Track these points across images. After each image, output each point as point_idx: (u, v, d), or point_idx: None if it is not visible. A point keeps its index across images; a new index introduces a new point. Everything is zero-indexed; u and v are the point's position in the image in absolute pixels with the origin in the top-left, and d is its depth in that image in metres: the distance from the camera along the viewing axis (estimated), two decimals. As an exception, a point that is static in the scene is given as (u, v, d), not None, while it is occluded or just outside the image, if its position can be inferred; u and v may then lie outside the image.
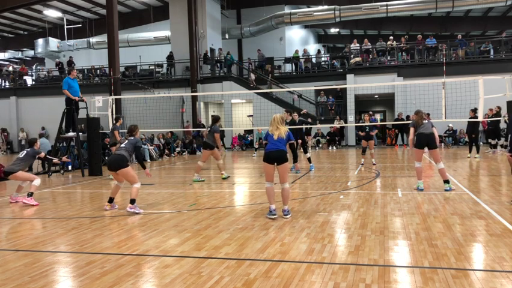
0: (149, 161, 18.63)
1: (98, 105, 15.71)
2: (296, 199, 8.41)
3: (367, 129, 13.81)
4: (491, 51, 23.43)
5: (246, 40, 31.94)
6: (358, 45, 24.96)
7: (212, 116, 12.06)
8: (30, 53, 37.75)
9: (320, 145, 23.80)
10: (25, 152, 9.20)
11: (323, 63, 27.52)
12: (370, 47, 24.72)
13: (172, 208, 7.85)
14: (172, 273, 4.37)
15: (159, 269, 4.55)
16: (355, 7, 27.10)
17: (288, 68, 28.39)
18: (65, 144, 15.71)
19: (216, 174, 13.28)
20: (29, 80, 31.91)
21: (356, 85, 22.98)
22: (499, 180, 10.22)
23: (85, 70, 29.86)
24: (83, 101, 14.18)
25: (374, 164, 13.76)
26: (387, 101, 27.85)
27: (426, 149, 8.92)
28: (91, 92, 22.64)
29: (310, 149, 21.45)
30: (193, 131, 23.65)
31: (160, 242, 5.54)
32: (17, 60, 41.54)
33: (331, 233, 5.76)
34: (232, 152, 23.31)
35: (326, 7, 27.87)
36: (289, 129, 12.57)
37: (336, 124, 22.59)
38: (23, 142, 28.97)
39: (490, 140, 17.84)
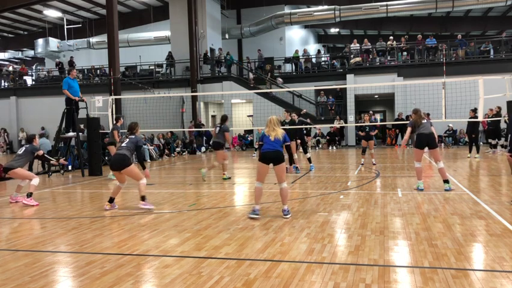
0: (149, 161, 18.62)
1: (98, 105, 15.71)
2: (296, 199, 8.41)
3: (367, 129, 13.82)
4: (491, 51, 23.42)
5: (246, 40, 31.94)
6: (358, 45, 24.95)
7: (222, 115, 12.00)
8: (30, 53, 37.74)
9: (320, 145, 23.80)
10: (24, 148, 9.18)
11: (323, 63, 27.51)
12: (370, 47, 24.71)
13: (172, 208, 7.85)
14: (172, 273, 4.37)
15: (159, 269, 4.55)
16: (355, 7, 27.09)
17: (288, 68, 28.38)
18: (62, 145, 15.68)
19: (216, 175, 13.27)
20: (29, 80, 31.90)
21: (356, 85, 22.98)
22: (499, 180, 10.22)
23: (85, 70, 29.86)
24: (83, 101, 14.18)
25: (374, 164, 13.76)
26: (387, 101, 27.85)
27: (426, 149, 8.91)
28: (91, 92, 22.63)
29: (310, 149, 21.48)
30: (194, 131, 23.66)
31: (160, 242, 5.54)
32: (17, 60, 41.53)
33: (331, 233, 5.76)
34: (232, 152, 23.31)
35: (326, 7, 27.87)
36: (288, 129, 12.62)
37: (336, 124, 22.59)
38: (23, 142, 28.97)
39: (490, 140, 17.84)
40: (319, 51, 30.62)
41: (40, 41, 32.93)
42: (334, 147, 23.25)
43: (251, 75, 25.80)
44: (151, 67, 27.66)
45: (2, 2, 22.08)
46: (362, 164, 13.85)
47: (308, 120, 16.10)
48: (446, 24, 33.44)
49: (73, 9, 30.50)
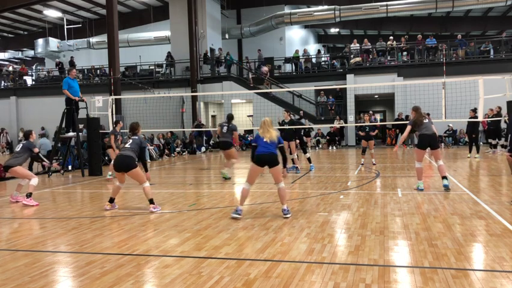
0: (149, 161, 18.61)
1: (98, 105, 15.71)
2: (296, 199, 8.41)
3: (367, 129, 13.82)
4: (491, 51, 23.42)
5: (246, 40, 31.94)
6: (358, 45, 24.95)
7: (228, 114, 11.92)
8: (30, 53, 37.75)
9: (320, 145, 23.80)
10: (21, 145, 9.13)
11: (323, 63, 27.51)
12: (370, 47, 24.71)
13: (172, 208, 7.85)
14: (172, 273, 4.37)
15: (159, 269, 4.55)
16: (355, 7, 27.09)
17: (288, 68, 28.38)
18: (60, 145, 15.66)
19: (216, 175, 13.28)
20: (29, 80, 31.90)
21: (356, 85, 22.98)
22: (499, 180, 10.22)
23: (85, 70, 29.86)
24: (83, 101, 14.17)
25: (374, 164, 13.77)
26: (387, 101, 27.85)
27: (427, 149, 8.88)
28: (91, 92, 22.63)
29: (310, 149, 21.48)
30: (194, 131, 23.66)
31: (160, 242, 5.54)
32: (17, 60, 41.54)
33: (331, 233, 5.76)
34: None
35: (326, 7, 27.87)
36: (287, 129, 12.61)
37: (336, 124, 22.59)
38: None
39: (490, 140, 17.83)
40: (319, 51, 30.64)
41: (40, 41, 32.94)
42: (334, 147, 23.25)
43: (250, 75, 25.82)
44: (151, 67, 27.67)
45: (2, 2, 22.09)
46: (362, 164, 13.85)
47: (303, 121, 16.12)
48: (446, 24, 33.44)
49: (73, 9, 30.51)
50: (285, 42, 31.56)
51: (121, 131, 12.82)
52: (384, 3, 26.15)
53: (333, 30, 39.54)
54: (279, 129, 12.79)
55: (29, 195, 8.59)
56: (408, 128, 9.00)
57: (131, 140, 7.73)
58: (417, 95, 19.08)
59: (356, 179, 11.13)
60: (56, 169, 13.55)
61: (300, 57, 27.08)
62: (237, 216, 6.67)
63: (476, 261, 4.61)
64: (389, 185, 9.85)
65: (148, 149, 18.89)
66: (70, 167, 15.03)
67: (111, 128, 13.29)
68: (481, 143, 18.70)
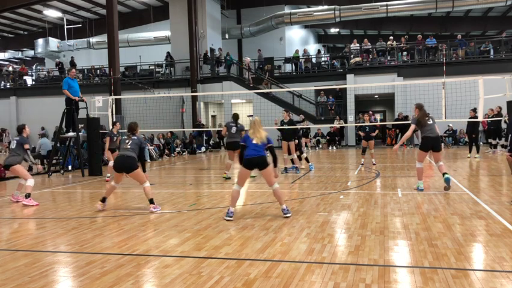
0: (149, 161, 18.62)
1: (98, 105, 15.71)
2: (296, 199, 8.41)
3: (367, 130, 13.83)
4: (491, 51, 23.42)
5: (246, 40, 31.94)
6: (358, 45, 24.95)
7: (234, 114, 11.79)
8: (30, 53, 37.75)
9: (320, 145, 23.80)
10: (15, 141, 9.05)
11: (323, 63, 27.51)
12: (370, 47, 24.71)
13: (172, 208, 7.85)
14: (172, 273, 4.37)
15: (159, 269, 4.55)
16: (355, 7, 27.10)
17: (288, 68, 28.38)
18: (58, 145, 15.65)
19: (216, 175, 13.28)
20: (29, 80, 31.90)
21: (356, 85, 22.98)
22: (499, 180, 10.22)
23: (85, 70, 29.86)
24: (83, 101, 14.17)
25: (374, 164, 13.77)
26: (387, 101, 27.86)
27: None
28: (91, 92, 22.63)
29: (309, 149, 21.48)
30: (193, 131, 23.66)
31: (160, 242, 5.54)
32: (17, 60, 41.55)
33: (331, 233, 5.76)
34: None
35: (326, 7, 27.87)
36: (286, 129, 12.60)
37: (336, 124, 22.59)
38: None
39: (490, 140, 17.82)
40: (319, 51, 30.63)
41: (40, 41, 32.94)
42: (334, 147, 23.25)
43: (247, 75, 25.83)
44: (151, 67, 27.67)
45: (2, 2, 22.09)
46: (362, 164, 13.85)
47: (305, 120, 16.12)
48: (446, 24, 33.44)
49: (73, 9, 30.51)
50: (285, 42, 31.56)
51: (120, 131, 12.74)
52: (384, 3, 26.15)
53: (333, 30, 39.54)
54: (279, 129, 12.79)
55: (28, 195, 8.58)
56: (412, 127, 8.78)
57: (131, 141, 7.66)
58: (417, 95, 19.03)
59: (356, 179, 11.13)
60: (39, 171, 13.32)
61: (300, 57, 27.08)
62: (230, 218, 6.62)
63: (476, 261, 4.61)
64: (389, 185, 9.85)
65: (148, 149, 18.90)
66: (70, 167, 15.03)
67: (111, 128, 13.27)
68: (481, 143, 18.70)
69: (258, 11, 30.21)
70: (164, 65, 27.43)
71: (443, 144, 21.64)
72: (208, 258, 4.83)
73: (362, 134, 14.12)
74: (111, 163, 10.92)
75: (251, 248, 5.19)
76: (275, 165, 6.91)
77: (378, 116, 30.19)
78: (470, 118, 15.35)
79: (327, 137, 23.78)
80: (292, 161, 12.81)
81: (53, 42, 32.63)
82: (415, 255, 4.73)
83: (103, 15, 29.15)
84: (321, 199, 8.26)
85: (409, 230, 5.80)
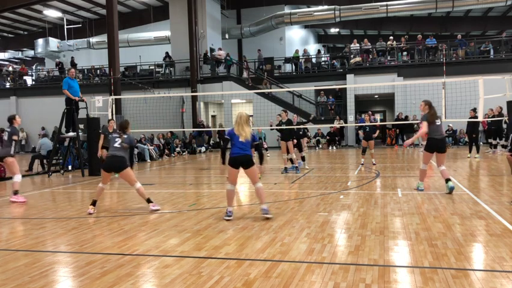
0: (149, 161, 18.63)
1: (98, 105, 15.71)
2: (296, 199, 8.41)
3: (367, 130, 13.83)
4: (491, 51, 23.43)
5: (246, 40, 31.94)
6: (358, 45, 24.96)
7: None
8: (30, 53, 37.75)
9: (320, 145, 23.80)
10: (6, 133, 8.98)
11: (323, 63, 27.52)
12: (370, 47, 24.72)
13: (172, 208, 7.85)
14: (172, 273, 4.37)
15: (159, 269, 4.55)
16: (355, 7, 27.10)
17: (288, 68, 28.38)
18: (57, 145, 15.64)
19: (216, 175, 13.27)
20: (29, 80, 31.91)
21: (356, 85, 22.98)
22: (499, 180, 10.22)
23: (85, 70, 29.86)
24: (83, 101, 14.17)
25: (374, 164, 13.77)
26: (387, 101, 27.85)
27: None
28: (91, 92, 22.63)
29: (308, 149, 21.46)
30: (193, 131, 23.67)
31: (160, 242, 5.54)
32: (17, 60, 41.54)
33: (331, 233, 5.76)
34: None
35: (326, 7, 27.88)
36: (285, 129, 12.58)
37: (336, 124, 22.59)
38: (23, 142, 28.97)
39: (490, 140, 17.81)
40: (319, 51, 30.64)
41: (40, 41, 32.94)
42: (334, 147, 23.25)
43: (245, 74, 25.83)
44: (151, 67, 27.67)
45: (2, 2, 22.08)
46: (362, 164, 13.86)
47: (304, 121, 16.13)
48: (446, 24, 33.44)
49: (73, 9, 30.51)
50: (285, 42, 31.56)
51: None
52: (384, 3, 26.15)
53: (333, 30, 39.54)
54: (277, 129, 12.79)
55: (15, 192, 8.55)
56: (425, 124, 8.28)
57: (121, 140, 7.51)
58: (417, 95, 19.07)
59: (356, 179, 11.13)
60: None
61: (300, 57, 27.08)
62: (229, 218, 6.61)
63: (476, 261, 4.61)
64: (389, 185, 9.85)
65: (148, 149, 18.91)
66: (70, 167, 15.03)
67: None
68: (481, 143, 18.70)
69: (258, 11, 30.22)
70: (164, 65, 27.43)
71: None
72: (208, 258, 4.83)
73: (362, 134, 14.13)
74: None
75: (251, 248, 5.19)
76: (261, 163, 6.89)
77: (378, 116, 30.18)
78: (470, 118, 15.35)
79: (327, 137, 23.78)
80: (291, 160, 12.80)
81: (53, 42, 32.64)
82: (415, 255, 4.73)
83: (103, 15, 29.15)
84: (321, 199, 8.26)
85: (409, 230, 5.80)
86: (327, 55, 32.12)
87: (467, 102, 15.69)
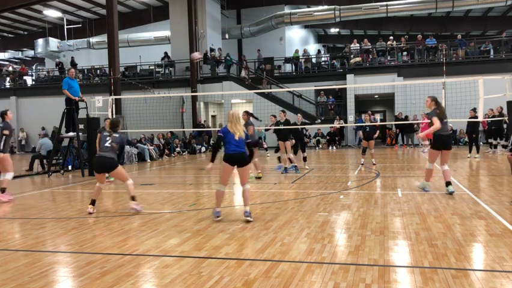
0: (149, 161, 18.63)
1: (98, 105, 15.70)
2: (296, 199, 8.41)
3: (367, 130, 13.84)
4: (491, 51, 23.42)
5: (246, 40, 31.94)
6: (358, 45, 24.96)
7: (244, 111, 11.74)
8: (30, 53, 37.75)
9: (320, 145, 23.80)
10: None
11: (323, 63, 27.51)
12: (370, 47, 24.71)
13: (172, 208, 7.85)
14: (172, 273, 4.37)
15: (159, 269, 4.55)
16: (355, 7, 27.10)
17: (288, 68, 28.38)
18: (59, 144, 15.64)
19: (216, 175, 13.25)
20: (29, 80, 31.91)
21: (356, 85, 22.98)
22: (499, 180, 10.22)
23: (85, 70, 29.86)
24: (83, 101, 14.16)
25: (374, 164, 13.77)
26: (387, 101, 27.85)
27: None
28: (91, 92, 22.62)
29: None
30: (193, 131, 23.67)
31: (160, 242, 5.54)
32: (17, 60, 41.53)
33: (331, 233, 5.76)
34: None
35: (326, 7, 27.87)
36: (284, 129, 12.57)
37: (336, 124, 22.60)
38: (23, 142, 28.98)
39: (490, 140, 17.80)
40: (319, 51, 30.64)
41: (40, 41, 32.94)
42: (334, 147, 23.26)
43: (243, 73, 25.85)
44: (151, 67, 27.67)
45: (2, 2, 22.09)
46: (362, 164, 13.86)
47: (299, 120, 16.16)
48: (446, 24, 33.44)
49: (73, 9, 30.51)
50: (285, 42, 31.55)
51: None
52: (384, 3, 26.15)
53: (333, 30, 39.54)
54: (276, 129, 12.76)
55: (3, 190, 8.54)
56: (436, 119, 8.03)
57: (111, 139, 7.45)
58: (417, 95, 19.09)
59: (356, 179, 11.13)
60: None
61: (300, 57, 27.08)
62: (218, 219, 6.58)
63: (476, 261, 4.61)
64: (389, 185, 9.85)
65: (148, 149, 18.91)
66: (70, 167, 15.03)
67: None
68: (481, 143, 18.70)
69: (258, 11, 30.21)
70: (163, 65, 27.43)
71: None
72: (208, 258, 4.83)
73: (362, 134, 14.14)
74: None
75: (251, 248, 5.19)
76: (250, 160, 6.84)
77: (378, 116, 30.17)
78: (470, 118, 15.34)
79: (327, 137, 23.78)
80: (290, 160, 12.78)
81: (53, 42, 32.64)
82: (415, 255, 4.73)
83: (103, 15, 29.15)
84: (321, 199, 8.26)
85: (409, 230, 5.80)
86: (327, 55, 32.12)
87: (467, 102, 15.69)
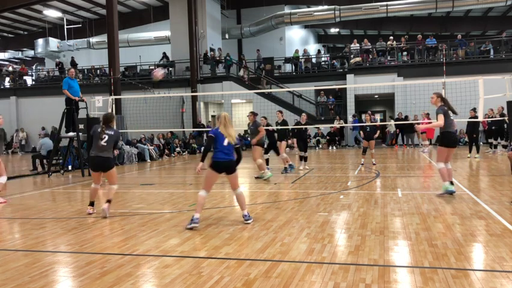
0: (149, 161, 18.63)
1: (98, 105, 15.70)
2: (296, 199, 8.41)
3: (368, 130, 13.84)
4: (491, 51, 23.42)
5: (246, 40, 31.94)
6: (358, 45, 24.96)
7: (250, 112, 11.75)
8: (30, 53, 37.75)
9: (320, 145, 23.80)
10: None
11: (323, 63, 27.52)
12: (370, 47, 24.72)
13: (172, 208, 7.85)
14: (172, 273, 4.37)
15: (159, 269, 4.55)
16: (355, 7, 27.10)
17: (288, 68, 28.38)
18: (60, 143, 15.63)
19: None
20: (29, 80, 31.92)
21: (356, 85, 22.98)
22: (499, 180, 10.21)
23: (85, 70, 29.86)
24: (83, 101, 14.15)
25: (374, 164, 13.77)
26: (387, 101, 27.85)
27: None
28: (91, 92, 22.62)
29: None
30: (193, 131, 23.67)
31: (160, 242, 5.54)
32: (17, 60, 41.53)
33: (331, 233, 5.76)
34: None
35: (326, 7, 27.87)
36: (282, 129, 12.56)
37: (336, 124, 22.60)
38: (23, 142, 28.97)
39: (490, 140, 17.79)
40: (319, 51, 30.63)
41: (40, 41, 32.94)
42: (334, 147, 23.26)
43: (241, 73, 25.87)
44: (151, 67, 27.67)
45: (2, 2, 22.09)
46: (362, 164, 13.86)
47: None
48: (446, 24, 33.44)
49: (73, 9, 30.51)
50: (285, 42, 31.55)
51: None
52: (384, 3, 26.15)
53: (333, 30, 39.54)
54: (274, 129, 12.77)
55: None
56: (442, 116, 7.78)
57: (107, 136, 7.18)
58: (417, 95, 19.09)
59: (356, 179, 11.13)
60: None
61: (300, 57, 27.08)
62: (195, 225, 6.10)
63: (476, 261, 4.61)
64: (389, 185, 9.85)
65: (148, 149, 18.91)
66: (70, 167, 15.02)
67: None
68: (481, 143, 18.70)
69: (258, 11, 30.21)
70: (163, 66, 27.40)
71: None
72: (208, 258, 4.83)
73: (362, 134, 14.14)
74: None
75: (251, 248, 5.19)
76: (237, 165, 6.64)
77: (378, 116, 30.16)
78: (470, 118, 15.34)
79: (327, 137, 23.78)
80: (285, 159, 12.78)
81: (53, 42, 32.64)
82: (415, 255, 4.73)
83: (103, 15, 29.15)
84: (321, 199, 8.25)
85: (409, 230, 5.80)
86: (327, 55, 32.12)
87: (467, 102, 15.68)
